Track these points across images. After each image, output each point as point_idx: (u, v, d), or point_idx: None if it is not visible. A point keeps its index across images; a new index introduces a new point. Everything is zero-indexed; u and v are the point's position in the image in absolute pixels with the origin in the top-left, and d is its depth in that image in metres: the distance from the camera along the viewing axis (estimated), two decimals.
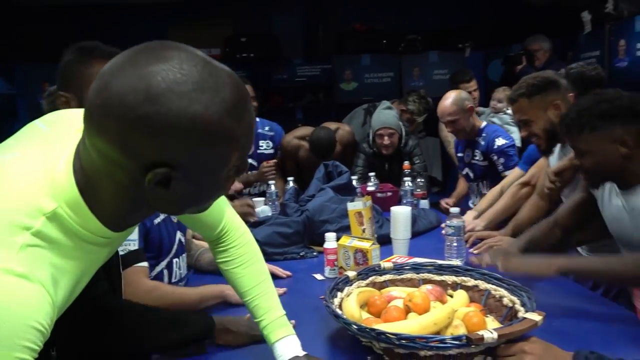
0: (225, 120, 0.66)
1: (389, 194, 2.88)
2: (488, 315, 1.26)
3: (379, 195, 2.87)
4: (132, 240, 1.49)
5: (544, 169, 2.17)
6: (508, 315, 1.22)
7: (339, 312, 1.19)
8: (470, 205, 2.93)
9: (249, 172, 3.19)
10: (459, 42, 4.71)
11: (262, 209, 2.85)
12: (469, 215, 2.46)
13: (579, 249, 1.97)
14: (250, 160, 3.22)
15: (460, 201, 3.08)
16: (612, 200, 1.54)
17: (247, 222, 2.06)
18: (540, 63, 4.04)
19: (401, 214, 1.89)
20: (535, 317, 1.05)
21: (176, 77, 0.63)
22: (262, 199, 2.98)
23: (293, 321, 1.17)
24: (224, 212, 1.13)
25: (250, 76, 4.50)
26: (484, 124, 2.86)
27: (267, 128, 3.26)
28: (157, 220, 1.62)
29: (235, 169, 0.72)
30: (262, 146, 3.26)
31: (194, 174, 0.67)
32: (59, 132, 0.74)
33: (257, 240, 2.03)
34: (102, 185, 0.67)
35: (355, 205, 1.81)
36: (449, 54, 4.74)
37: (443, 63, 4.73)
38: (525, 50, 4.12)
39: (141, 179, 0.65)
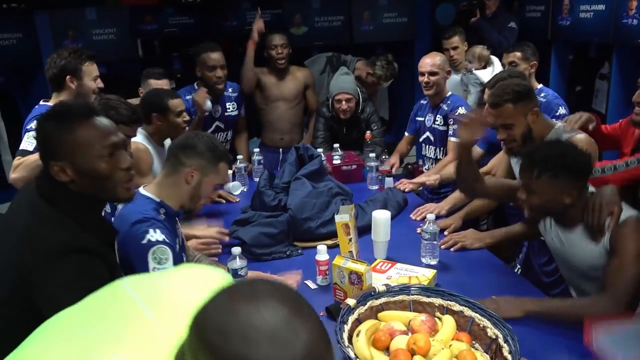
0: None
1: (354, 166, 3.03)
2: (474, 342, 1.50)
3: (344, 168, 3.01)
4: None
5: (503, 161, 2.40)
6: (492, 347, 1.46)
7: (353, 356, 1.38)
8: (424, 170, 3.16)
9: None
10: None
11: (234, 185, 2.95)
12: (433, 177, 2.72)
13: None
14: (217, 123, 3.26)
15: (403, 159, 3.39)
16: (552, 228, 1.82)
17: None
18: (490, 12, 4.15)
19: (382, 219, 2.06)
20: None
21: (252, 321, 0.66)
22: (230, 171, 3.05)
23: None
24: None
25: (199, 24, 4.36)
26: (449, 93, 3.04)
27: (231, 90, 3.37)
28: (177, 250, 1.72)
29: None
30: (229, 108, 3.30)
31: None
32: (168, 328, 0.79)
33: (245, 242, 2.18)
34: None
35: (342, 218, 1.95)
36: None
37: (393, 6, 4.70)
38: None
39: None
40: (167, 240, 1.64)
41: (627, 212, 1.63)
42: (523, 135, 2.05)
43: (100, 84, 2.42)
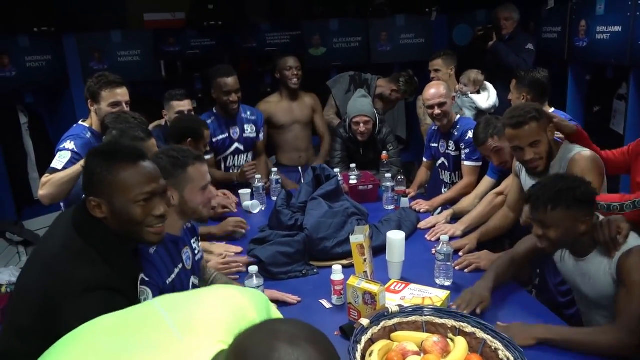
0: None
1: (370, 186, 3.07)
2: None
3: (360, 188, 3.06)
4: None
5: (514, 183, 2.42)
6: None
7: None
8: (443, 192, 3.19)
9: (232, 172, 3.35)
10: (425, 6, 4.75)
11: (252, 203, 3.01)
12: (445, 214, 2.72)
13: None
14: (236, 145, 3.34)
15: (421, 188, 3.40)
16: (566, 260, 1.84)
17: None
18: (507, 32, 4.12)
19: (396, 240, 2.09)
20: None
21: None
22: (248, 191, 3.12)
23: None
24: None
25: (220, 45, 4.48)
26: (457, 117, 3.07)
27: (249, 113, 3.45)
28: (169, 280, 1.72)
29: None
30: (247, 130, 3.38)
31: None
32: (197, 343, 0.84)
33: (262, 261, 2.22)
34: None
35: (357, 238, 1.99)
36: (415, 18, 4.78)
37: (410, 27, 4.78)
38: (494, 18, 4.19)
39: None
40: (147, 279, 1.60)
41: (634, 242, 1.64)
42: (548, 152, 2.10)
43: (123, 110, 2.48)
